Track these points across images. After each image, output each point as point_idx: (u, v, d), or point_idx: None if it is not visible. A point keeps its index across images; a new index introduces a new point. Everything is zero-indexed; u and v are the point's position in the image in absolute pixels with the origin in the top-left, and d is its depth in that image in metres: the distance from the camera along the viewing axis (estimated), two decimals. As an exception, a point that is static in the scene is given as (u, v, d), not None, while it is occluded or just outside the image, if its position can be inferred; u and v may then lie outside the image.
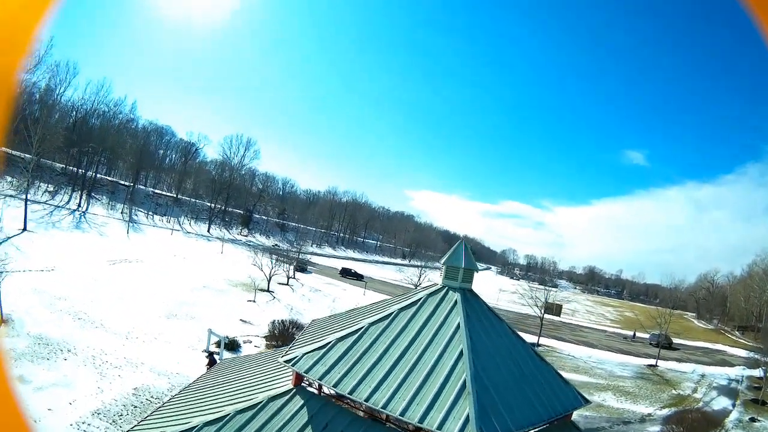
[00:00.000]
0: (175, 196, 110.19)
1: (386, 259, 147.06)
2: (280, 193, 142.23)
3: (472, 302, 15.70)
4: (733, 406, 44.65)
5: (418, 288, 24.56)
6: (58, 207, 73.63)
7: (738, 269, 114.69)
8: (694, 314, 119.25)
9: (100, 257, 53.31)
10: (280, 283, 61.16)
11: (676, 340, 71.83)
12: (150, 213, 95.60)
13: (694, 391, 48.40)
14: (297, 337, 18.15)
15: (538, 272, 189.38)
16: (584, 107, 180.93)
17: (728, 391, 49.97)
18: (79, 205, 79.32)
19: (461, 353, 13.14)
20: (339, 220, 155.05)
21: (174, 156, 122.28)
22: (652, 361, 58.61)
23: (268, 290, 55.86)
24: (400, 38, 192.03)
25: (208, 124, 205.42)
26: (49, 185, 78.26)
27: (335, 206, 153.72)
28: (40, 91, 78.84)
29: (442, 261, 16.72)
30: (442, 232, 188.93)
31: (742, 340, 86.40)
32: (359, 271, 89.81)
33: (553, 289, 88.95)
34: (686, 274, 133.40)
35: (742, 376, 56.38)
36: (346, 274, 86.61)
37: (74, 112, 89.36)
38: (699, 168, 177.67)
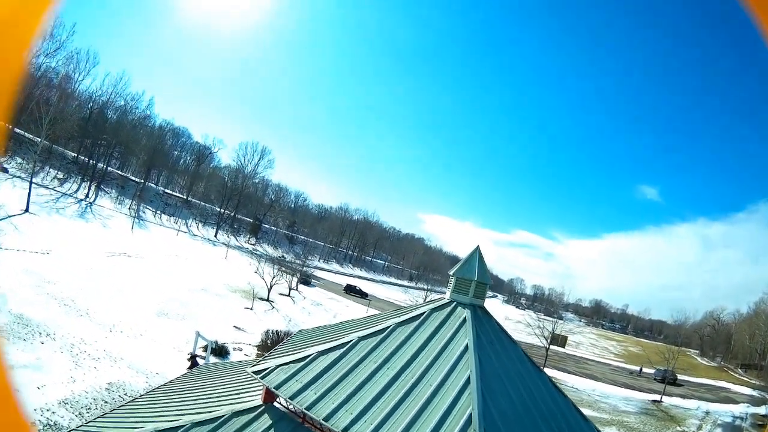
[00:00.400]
0: (185, 197, 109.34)
1: (393, 280, 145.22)
2: (292, 205, 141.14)
3: (483, 321, 13.71)
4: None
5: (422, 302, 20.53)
6: (66, 194, 72.69)
7: (744, 307, 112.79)
8: (697, 351, 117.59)
9: (99, 248, 52.14)
10: (281, 294, 59.54)
11: (680, 377, 70.99)
12: (158, 212, 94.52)
13: (699, 428, 47.91)
14: (278, 345, 15.93)
15: (544, 303, 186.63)
16: (602, 141, 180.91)
17: (732, 428, 49.96)
18: (87, 195, 78.36)
19: (468, 380, 11.06)
20: (348, 237, 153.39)
21: (188, 158, 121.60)
22: (657, 397, 57.80)
23: (267, 299, 54.16)
24: (428, 62, 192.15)
25: (224, 129, 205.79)
26: (59, 172, 77.53)
27: (346, 223, 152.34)
28: (59, 77, 78.49)
29: (452, 271, 14.85)
30: (451, 257, 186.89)
31: (745, 378, 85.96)
32: (364, 289, 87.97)
33: (559, 320, 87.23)
34: (692, 311, 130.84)
35: (746, 414, 56.00)
36: (351, 291, 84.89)
37: (91, 103, 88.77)
38: (711, 205, 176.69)
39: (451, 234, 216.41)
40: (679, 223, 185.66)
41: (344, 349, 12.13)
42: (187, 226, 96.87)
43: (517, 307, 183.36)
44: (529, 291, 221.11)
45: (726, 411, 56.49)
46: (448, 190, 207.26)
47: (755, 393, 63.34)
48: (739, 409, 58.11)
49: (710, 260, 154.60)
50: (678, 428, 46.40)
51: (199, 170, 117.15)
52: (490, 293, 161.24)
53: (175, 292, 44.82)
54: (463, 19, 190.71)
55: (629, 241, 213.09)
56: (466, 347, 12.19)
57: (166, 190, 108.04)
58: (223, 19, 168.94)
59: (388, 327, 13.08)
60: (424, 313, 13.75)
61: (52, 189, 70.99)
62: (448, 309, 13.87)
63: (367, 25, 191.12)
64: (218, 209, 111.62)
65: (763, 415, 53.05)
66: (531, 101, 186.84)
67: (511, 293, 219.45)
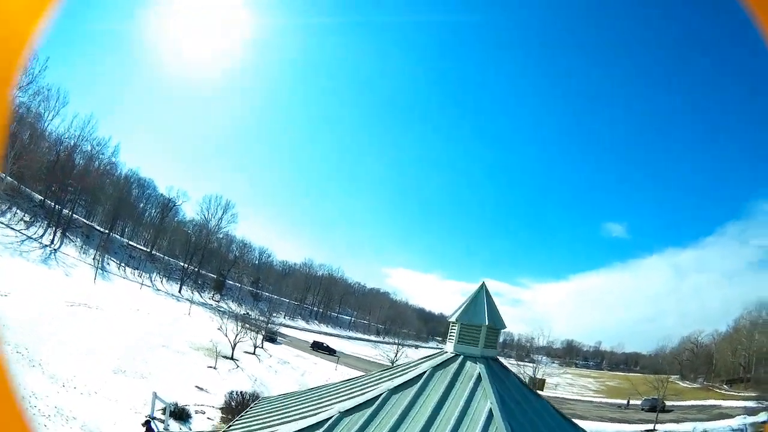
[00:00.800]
0: (149, 251, 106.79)
1: (360, 335, 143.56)
2: (256, 261, 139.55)
3: (502, 377, 11.52)
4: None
5: (415, 360, 15.01)
6: (31, 238, 70.48)
7: (723, 327, 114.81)
8: (677, 376, 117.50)
9: (60, 296, 49.87)
10: (246, 352, 57.54)
11: (668, 402, 70.71)
12: (122, 264, 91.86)
13: None
14: (235, 420, 13.44)
15: (515, 348, 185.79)
16: (565, 182, 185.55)
17: None
18: (52, 242, 75.91)
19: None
20: (313, 294, 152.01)
21: (153, 211, 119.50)
22: (650, 426, 57.72)
23: (231, 358, 52.11)
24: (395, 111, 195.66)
25: (189, 181, 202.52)
26: (26, 215, 75.39)
27: (310, 279, 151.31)
28: (29, 113, 77.07)
29: (453, 316, 12.69)
30: (418, 310, 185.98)
31: (732, 393, 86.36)
32: (332, 346, 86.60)
33: (530, 364, 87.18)
34: (668, 339, 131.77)
35: (745, 425, 56.67)
36: (318, 347, 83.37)
37: (59, 146, 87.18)
38: (679, 233, 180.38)
39: (417, 287, 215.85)
40: (646, 256, 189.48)
41: (323, 429, 9.48)
42: (151, 280, 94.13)
43: None
44: (499, 338, 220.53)
45: (723, 426, 57.03)
46: (410, 244, 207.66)
47: (748, 404, 63.99)
48: (736, 422, 58.45)
49: (683, 287, 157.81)
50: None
51: (164, 224, 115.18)
52: None
53: (134, 347, 42.50)
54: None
55: (597, 280, 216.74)
56: (490, 414, 9.73)
57: (131, 243, 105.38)
58: (192, 69, 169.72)
59: (380, 395, 10.43)
60: (424, 373, 11.31)
61: (18, 231, 68.87)
62: (455, 365, 11.59)
63: (331, 78, 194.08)
64: (182, 264, 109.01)
65: (762, 422, 53.87)
66: (493, 150, 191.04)
67: None
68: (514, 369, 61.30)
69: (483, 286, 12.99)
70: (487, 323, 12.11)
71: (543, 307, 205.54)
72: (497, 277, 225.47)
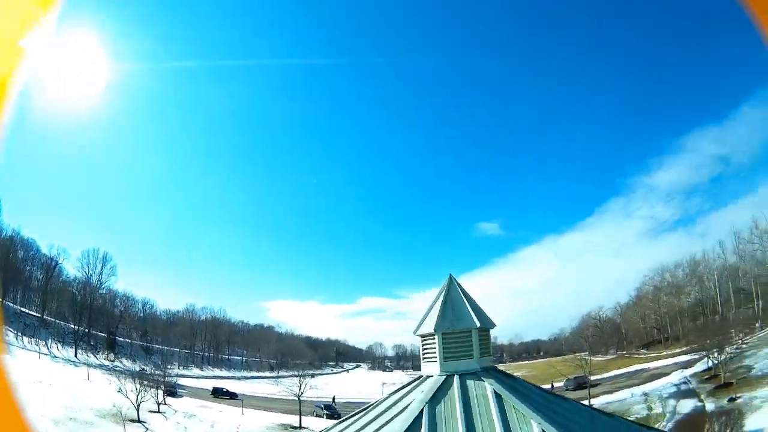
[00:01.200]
0: (40, 316, 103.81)
1: (255, 374, 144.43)
2: (141, 314, 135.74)
3: (519, 388, 9.84)
4: (702, 401, 47.51)
5: (378, 401, 11.47)
6: None
7: (625, 297, 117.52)
8: (585, 353, 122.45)
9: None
10: (151, 411, 58.55)
11: (592, 378, 70.28)
12: (18, 333, 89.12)
13: (650, 410, 49.67)
14: None
15: (410, 360, 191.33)
16: (431, 188, 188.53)
17: (685, 393, 52.43)
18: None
19: None
20: (201, 339, 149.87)
21: (38, 272, 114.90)
22: (585, 402, 57.06)
23: (138, 420, 53.05)
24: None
25: (67, 235, 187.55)
26: None
27: (195, 325, 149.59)
28: None
29: (425, 328, 10.87)
30: (304, 339, 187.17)
31: (653, 354, 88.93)
32: (231, 389, 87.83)
33: None
34: (568, 321, 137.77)
35: (685, 377, 58.25)
36: (219, 393, 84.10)
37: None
38: (558, 220, 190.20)
39: (299, 316, 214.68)
40: (526, 247, 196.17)
41: None
42: (48, 348, 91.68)
43: (384, 370, 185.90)
44: (391, 353, 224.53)
45: (664, 384, 57.70)
46: (284, 273, 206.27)
47: (679, 359, 64.90)
48: (675, 377, 59.25)
49: (570, 270, 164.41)
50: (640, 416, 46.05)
51: (50, 285, 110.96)
52: (352, 364, 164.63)
53: (39, 425, 42.81)
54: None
55: (478, 279, 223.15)
56: None
57: (23, 309, 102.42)
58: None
59: None
60: (420, 414, 8.82)
61: None
62: (454, 391, 9.35)
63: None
64: (73, 326, 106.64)
65: (702, 371, 55.15)
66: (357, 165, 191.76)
67: (374, 359, 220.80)
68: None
69: (452, 279, 11.26)
70: (478, 325, 10.37)
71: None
72: (374, 293, 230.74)
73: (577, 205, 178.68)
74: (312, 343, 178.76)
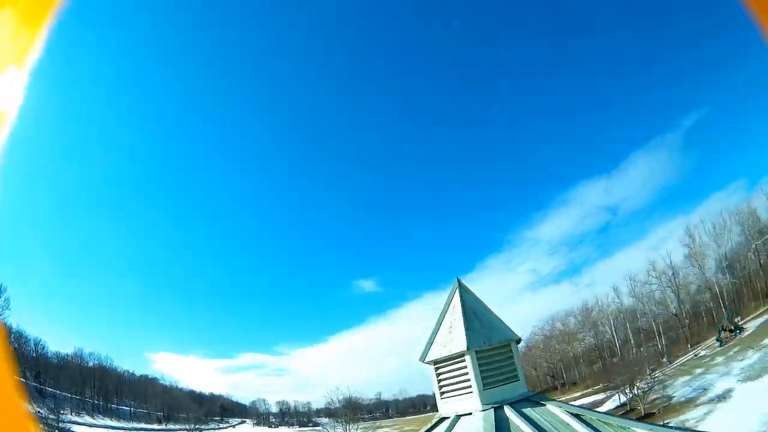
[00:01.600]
0: None
1: (145, 425, 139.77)
2: (33, 354, 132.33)
3: (576, 414, 7.43)
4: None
5: None
6: None
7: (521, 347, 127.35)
8: None
9: None
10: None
11: None
12: None
13: None
14: None
15: (295, 416, 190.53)
16: (307, 248, 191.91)
17: None
18: None
19: None
20: (90, 386, 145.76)
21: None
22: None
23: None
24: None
25: None
26: None
27: (84, 371, 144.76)
28: None
29: (428, 354, 8.89)
30: (188, 393, 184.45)
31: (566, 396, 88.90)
32: None
33: (316, 428, 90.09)
34: None
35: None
36: None
37: None
38: (435, 279, 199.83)
39: (182, 369, 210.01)
40: (403, 304, 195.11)
41: None
42: None
43: (270, 426, 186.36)
44: (274, 409, 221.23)
45: None
46: (166, 325, 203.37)
47: (584, 401, 67.32)
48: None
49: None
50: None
51: None
52: (237, 420, 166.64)
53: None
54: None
55: (357, 336, 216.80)
56: None
57: None
58: None
59: None
60: None
61: None
62: (519, 426, 7.17)
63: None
64: None
65: (618, 406, 57.92)
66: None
67: (258, 415, 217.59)
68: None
69: (461, 284, 9.10)
70: (517, 336, 8.48)
71: (308, 370, 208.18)
72: (254, 349, 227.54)
73: (458, 263, 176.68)
74: (196, 397, 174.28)
